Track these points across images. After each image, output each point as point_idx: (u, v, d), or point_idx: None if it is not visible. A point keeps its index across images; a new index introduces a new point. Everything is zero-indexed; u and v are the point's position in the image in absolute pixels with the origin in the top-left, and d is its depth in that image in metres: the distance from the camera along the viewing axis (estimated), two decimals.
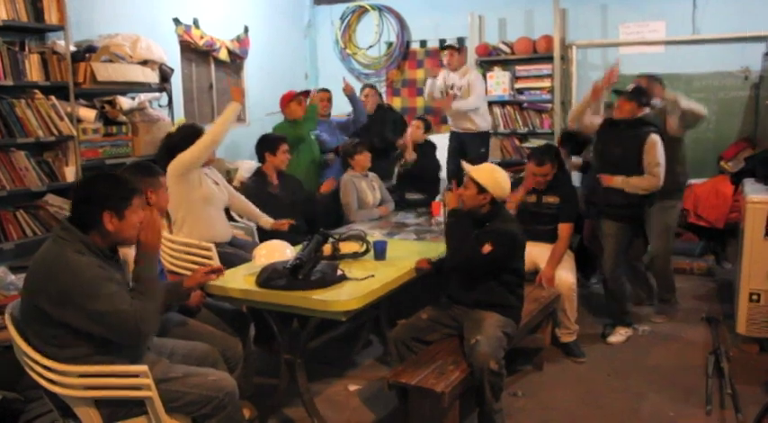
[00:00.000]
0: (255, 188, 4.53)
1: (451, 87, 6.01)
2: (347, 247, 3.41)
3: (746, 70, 6.11)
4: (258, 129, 6.47)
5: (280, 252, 3.20)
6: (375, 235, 4.15)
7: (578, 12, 6.66)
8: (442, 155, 6.08)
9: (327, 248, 3.36)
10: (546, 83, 6.58)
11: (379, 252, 3.42)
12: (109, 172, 2.71)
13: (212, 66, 6.66)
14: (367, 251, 3.45)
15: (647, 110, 4.20)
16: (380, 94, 6.70)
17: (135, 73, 5.05)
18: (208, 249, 3.56)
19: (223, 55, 6.59)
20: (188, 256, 3.62)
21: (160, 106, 5.53)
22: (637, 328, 4.49)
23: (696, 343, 4.34)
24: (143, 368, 2.27)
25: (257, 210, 4.25)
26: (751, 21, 6.04)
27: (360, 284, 2.97)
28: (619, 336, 4.35)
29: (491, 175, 3.20)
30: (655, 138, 4.09)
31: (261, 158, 4.66)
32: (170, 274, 3.33)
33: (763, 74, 5.95)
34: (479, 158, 6.04)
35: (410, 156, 5.54)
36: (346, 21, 7.75)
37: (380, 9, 7.51)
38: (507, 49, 6.64)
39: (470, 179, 3.18)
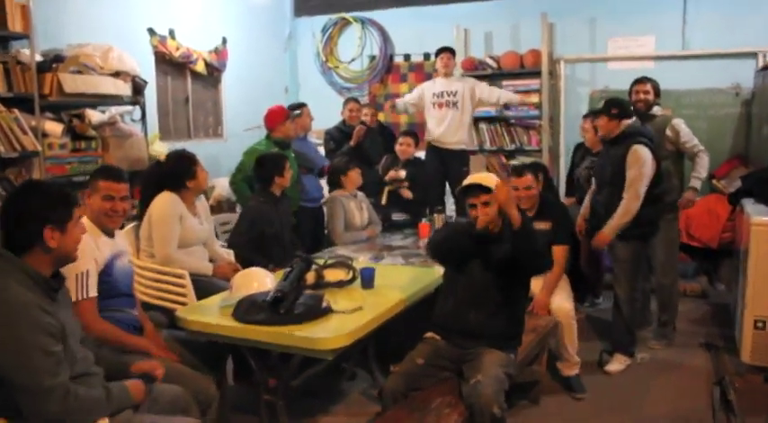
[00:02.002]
0: (267, 210, 4.05)
1: (440, 95, 5.76)
2: (332, 275, 3.16)
3: (737, 87, 5.99)
4: (236, 144, 6.21)
5: (259, 281, 2.94)
6: (360, 259, 3.92)
7: (566, 26, 6.51)
8: None
9: (311, 276, 3.11)
10: (534, 98, 6.38)
11: (367, 280, 3.18)
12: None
13: (189, 78, 6.39)
14: (354, 279, 3.20)
15: (627, 121, 3.98)
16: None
17: (106, 85, 4.77)
18: (181, 277, 3.28)
19: (200, 67, 6.33)
20: (159, 283, 3.34)
21: (133, 120, 5.25)
22: (635, 355, 4.28)
23: (697, 371, 4.13)
24: None
25: (221, 252, 3.87)
26: (741, 36, 5.94)
27: (348, 318, 2.72)
28: (618, 364, 4.13)
29: (494, 179, 2.98)
30: (635, 149, 3.84)
31: (267, 181, 4.12)
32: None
33: (756, 91, 5.82)
34: (460, 181, 5.81)
35: (397, 174, 5.29)
36: (328, 33, 7.54)
37: (363, 21, 7.31)
38: (494, 64, 6.45)
39: (487, 191, 2.90)
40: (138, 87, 5.12)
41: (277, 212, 4.10)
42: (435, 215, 4.31)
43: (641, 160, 3.83)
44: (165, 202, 3.41)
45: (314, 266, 3.16)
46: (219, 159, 6.53)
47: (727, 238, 5.66)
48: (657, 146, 4.04)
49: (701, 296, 5.66)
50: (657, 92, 4.57)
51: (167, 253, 3.36)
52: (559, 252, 3.92)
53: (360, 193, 4.78)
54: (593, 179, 4.98)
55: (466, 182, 3.00)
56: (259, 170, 4.12)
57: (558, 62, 6.51)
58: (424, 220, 4.71)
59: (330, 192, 4.70)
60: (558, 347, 3.82)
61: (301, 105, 5.42)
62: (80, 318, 2.37)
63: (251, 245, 3.96)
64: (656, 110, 4.48)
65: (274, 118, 4.87)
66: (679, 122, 4.47)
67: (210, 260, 3.66)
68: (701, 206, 5.80)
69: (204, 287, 3.33)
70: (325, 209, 4.61)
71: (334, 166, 4.75)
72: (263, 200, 4.07)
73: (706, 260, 5.98)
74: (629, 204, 3.86)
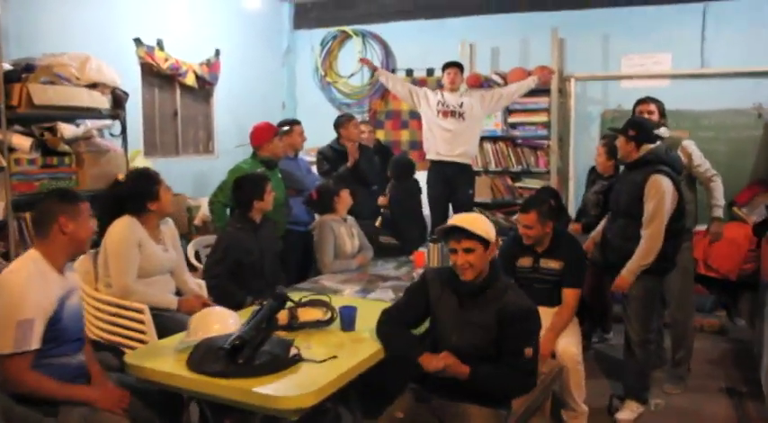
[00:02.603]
0: (245, 238, 3.70)
1: (446, 104, 5.36)
2: (308, 314, 2.79)
3: (759, 107, 5.64)
4: (228, 161, 5.83)
5: (222, 323, 2.57)
6: (347, 292, 3.55)
7: (578, 42, 6.17)
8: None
9: (283, 316, 2.74)
10: (542, 117, 6.03)
11: (347, 322, 2.81)
12: None
13: (178, 91, 6.07)
14: (332, 320, 2.83)
15: (650, 146, 3.62)
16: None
17: (81, 97, 4.42)
18: (139, 311, 2.92)
19: (190, 80, 6.01)
20: (116, 318, 2.98)
21: (112, 135, 4.92)
22: (649, 401, 3.87)
23: (718, 421, 3.74)
24: None
25: (191, 284, 3.52)
26: (764, 54, 5.60)
27: (318, 370, 2.34)
28: (629, 412, 3.72)
29: (483, 222, 2.63)
30: (655, 179, 3.47)
31: (245, 205, 3.76)
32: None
33: None
34: (467, 204, 5.46)
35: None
36: (327, 47, 7.22)
37: (364, 35, 6.99)
38: (500, 80, 6.10)
39: (470, 237, 2.55)
40: (118, 100, 4.78)
41: (256, 240, 3.74)
42: (431, 245, 3.93)
43: (661, 192, 3.46)
44: (121, 228, 3.06)
45: (288, 304, 2.78)
46: (209, 177, 6.19)
47: (748, 270, 5.27)
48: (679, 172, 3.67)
49: (720, 332, 5.26)
50: (663, 112, 4.23)
51: (124, 284, 3.01)
52: (570, 295, 3.56)
53: (350, 218, 4.42)
54: (601, 205, 4.64)
55: (449, 222, 2.63)
56: (237, 193, 3.77)
57: (569, 80, 6.16)
58: (420, 249, 4.35)
59: (320, 215, 4.33)
60: (564, 394, 3.43)
61: (292, 122, 5.08)
62: (6, 373, 2.02)
63: (227, 275, 3.61)
64: (663, 131, 4.11)
65: (260, 135, 4.53)
66: (690, 144, 4.11)
67: (178, 293, 3.30)
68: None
69: (167, 324, 2.98)
70: (313, 234, 4.23)
71: (325, 188, 4.38)
72: (240, 226, 3.71)
73: (725, 293, 5.58)
74: (651, 244, 3.49)
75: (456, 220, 2.62)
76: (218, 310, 2.71)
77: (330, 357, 2.42)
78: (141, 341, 2.90)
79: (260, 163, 4.54)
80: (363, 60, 6.00)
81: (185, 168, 6.09)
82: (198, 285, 3.49)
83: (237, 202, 3.79)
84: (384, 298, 3.45)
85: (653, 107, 4.14)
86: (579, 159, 6.12)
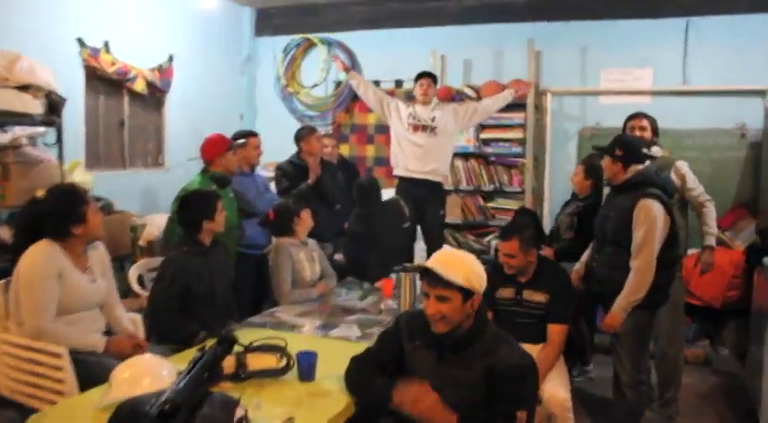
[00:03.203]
0: (194, 263, 3.24)
1: (416, 117, 4.99)
2: (259, 362, 2.34)
3: (743, 127, 5.39)
4: (180, 175, 5.39)
5: (152, 375, 2.10)
6: (306, 328, 3.12)
7: (554, 55, 5.86)
8: None
9: (229, 363, 2.30)
10: (517, 134, 5.69)
11: (306, 370, 2.37)
12: None
13: (126, 98, 5.58)
14: (288, 368, 2.39)
15: (638, 167, 3.28)
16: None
17: (9, 99, 3.92)
18: (57, 356, 2.44)
19: (139, 86, 5.52)
20: (31, 364, 2.50)
21: (46, 145, 4.41)
22: None
23: None
24: None
25: (124, 320, 3.04)
26: (748, 73, 5.37)
27: None
28: None
29: (468, 265, 2.19)
30: (644, 205, 3.13)
31: (194, 227, 3.32)
32: None
33: (765, 132, 5.20)
34: (437, 226, 5.08)
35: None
36: (290, 55, 6.78)
37: (330, 43, 6.58)
38: (473, 94, 5.74)
39: (446, 285, 2.14)
40: (54, 105, 4.28)
41: (207, 265, 3.29)
42: (402, 275, 3.51)
43: (651, 218, 3.11)
44: (36, 256, 2.58)
45: (235, 348, 2.34)
46: (159, 192, 5.73)
47: (732, 297, 5.01)
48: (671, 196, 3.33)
49: (704, 363, 4.95)
50: (656, 130, 3.94)
51: (38, 325, 2.53)
52: (556, 332, 3.19)
53: (310, 241, 3.98)
54: (575, 228, 4.31)
55: (428, 262, 2.21)
56: (183, 212, 3.32)
57: (545, 94, 5.85)
58: (392, 275, 3.93)
59: (277, 237, 3.88)
60: None
61: (248, 134, 4.63)
62: None
63: (175, 306, 3.15)
64: (655, 150, 3.82)
65: (212, 148, 4.09)
66: (683, 166, 3.82)
67: (107, 331, 2.82)
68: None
69: (92, 370, 2.50)
70: (269, 259, 3.78)
71: (283, 208, 3.93)
72: (188, 249, 3.26)
73: (708, 321, 5.29)
74: (641, 277, 3.13)
75: (434, 260, 2.20)
76: (149, 359, 2.24)
77: (286, 420, 1.98)
78: (60, 393, 2.42)
79: (211, 180, 4.09)
80: (336, 58, 5.59)
81: (132, 182, 5.60)
82: (132, 322, 3.02)
83: (184, 223, 3.34)
84: (349, 336, 3.02)
85: (645, 123, 3.84)
86: (555, 179, 5.81)
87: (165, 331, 3.18)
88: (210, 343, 2.34)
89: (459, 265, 2.15)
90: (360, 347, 2.76)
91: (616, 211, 3.26)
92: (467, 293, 2.13)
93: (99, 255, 2.91)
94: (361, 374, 2.30)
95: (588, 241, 3.88)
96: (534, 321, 3.28)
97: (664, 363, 3.85)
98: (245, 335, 2.66)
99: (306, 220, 3.86)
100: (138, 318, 3.09)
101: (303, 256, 3.79)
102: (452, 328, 2.17)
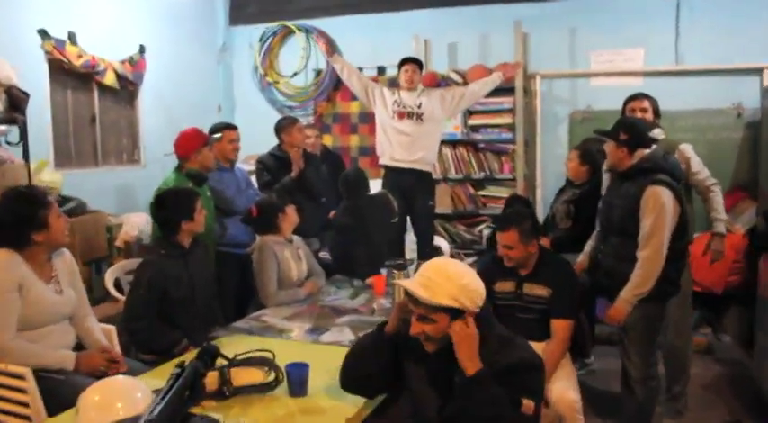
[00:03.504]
0: (172, 266, 3.02)
1: (402, 104, 4.77)
2: (245, 377, 2.12)
3: (739, 107, 5.22)
4: (157, 172, 5.19)
5: (125, 399, 1.86)
6: (294, 334, 2.90)
7: (543, 37, 5.65)
8: None
9: (212, 379, 2.08)
10: (506, 119, 5.49)
11: (297, 384, 2.15)
12: None
13: (95, 93, 5.29)
14: (277, 382, 2.17)
15: (645, 151, 3.08)
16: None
17: None
18: (20, 377, 2.20)
19: (109, 79, 5.24)
20: None
21: (9, 144, 4.13)
22: None
23: None
24: None
25: (96, 332, 2.77)
26: (743, 51, 5.19)
27: None
28: None
29: (457, 279, 1.94)
30: (652, 192, 2.94)
31: (171, 227, 3.10)
32: None
33: (763, 112, 5.03)
34: (427, 216, 4.87)
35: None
36: (267, 44, 6.51)
37: (308, 30, 6.32)
38: (459, 79, 5.53)
39: (429, 307, 1.91)
40: (15, 101, 3.99)
41: (186, 268, 3.07)
42: (396, 272, 3.30)
43: (659, 206, 2.92)
44: None
45: (218, 362, 2.11)
46: (135, 189, 5.48)
47: (734, 282, 4.86)
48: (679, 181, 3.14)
49: (707, 352, 4.80)
50: (657, 111, 3.75)
51: None
52: (560, 328, 3.00)
53: (296, 238, 3.75)
54: (572, 216, 4.13)
55: (410, 282, 1.96)
56: (160, 212, 3.10)
57: (534, 78, 5.64)
58: (383, 271, 3.72)
59: (260, 235, 3.64)
60: None
61: (225, 126, 4.38)
62: None
63: (153, 313, 2.93)
64: (657, 133, 3.60)
65: (186, 144, 3.86)
66: (687, 148, 3.62)
67: (78, 346, 2.58)
68: (702, 245, 4.96)
69: (61, 390, 2.27)
70: (253, 259, 3.55)
71: (267, 204, 3.69)
72: (166, 252, 3.03)
73: (708, 308, 5.14)
74: (649, 268, 2.94)
75: (417, 278, 1.95)
76: (121, 380, 2.00)
77: None
78: (26, 418, 2.19)
79: (186, 177, 3.85)
80: (319, 40, 5.33)
81: (106, 181, 5.33)
82: (106, 333, 2.78)
83: (161, 224, 3.12)
84: (342, 340, 2.80)
85: (647, 104, 3.65)
86: (547, 164, 5.63)
87: (144, 340, 2.98)
88: (193, 352, 2.12)
89: (445, 282, 1.90)
90: None
91: (622, 199, 3.07)
92: (455, 312, 1.91)
93: (65, 262, 2.66)
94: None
95: (586, 230, 3.71)
96: (536, 317, 3.09)
97: (672, 355, 3.68)
98: (230, 344, 2.45)
99: (291, 216, 3.63)
100: (113, 329, 2.85)
101: (289, 255, 3.56)
102: (441, 347, 1.95)
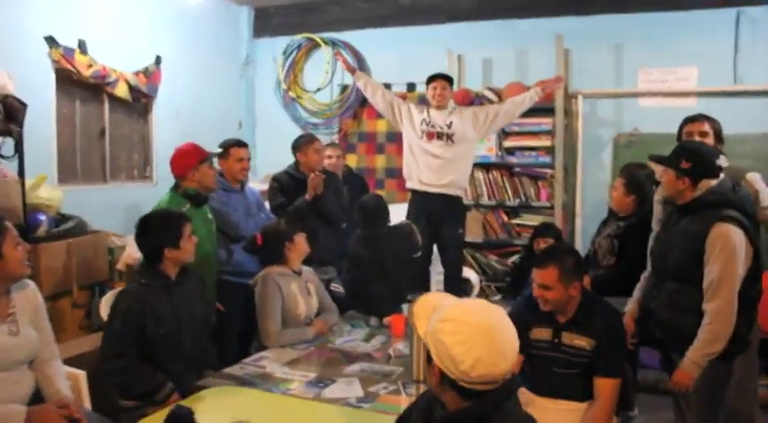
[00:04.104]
0: (154, 299, 2.69)
1: (431, 124, 4.39)
2: None
3: None
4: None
5: None
6: (294, 386, 2.48)
7: (586, 53, 5.22)
8: None
9: None
10: (544, 141, 5.06)
11: None
12: None
13: (106, 105, 4.99)
14: None
15: (711, 182, 2.63)
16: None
17: None
18: None
19: (121, 91, 4.94)
20: None
21: (3, 157, 3.82)
22: None
23: None
24: None
25: (59, 380, 2.36)
26: None
27: None
28: None
29: (447, 339, 1.52)
30: (721, 231, 2.49)
31: (154, 255, 2.80)
32: None
33: None
34: (456, 246, 4.45)
35: None
36: (291, 57, 6.20)
37: (334, 43, 5.98)
38: (494, 97, 5.13)
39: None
40: (11, 111, 3.69)
41: (171, 302, 2.70)
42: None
43: (730, 248, 2.47)
44: None
45: None
46: (146, 208, 4.92)
47: None
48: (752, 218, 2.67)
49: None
50: (719, 135, 3.28)
51: None
52: (606, 388, 2.55)
53: (306, 269, 3.36)
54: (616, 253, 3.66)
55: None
56: (141, 238, 2.75)
57: (576, 97, 5.21)
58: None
59: (265, 266, 3.25)
60: None
61: (234, 143, 4.01)
62: None
63: (130, 352, 2.57)
64: (722, 160, 3.15)
65: (182, 161, 3.51)
66: (756, 178, 3.16)
67: (36, 397, 2.19)
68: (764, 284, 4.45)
69: None
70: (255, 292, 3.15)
71: (273, 231, 3.30)
72: (146, 282, 2.67)
73: (766, 354, 4.60)
74: (720, 326, 2.49)
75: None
76: None
77: None
78: None
79: (183, 197, 3.49)
80: (339, 55, 4.96)
81: (114, 199, 5.01)
82: (72, 380, 2.40)
83: (143, 251, 2.76)
84: (348, 397, 2.37)
85: (707, 127, 3.20)
86: (588, 192, 5.17)
87: (123, 383, 2.61)
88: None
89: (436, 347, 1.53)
90: (360, 417, 2.13)
91: (681, 238, 2.61)
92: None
93: (27, 297, 2.30)
94: None
95: (631, 269, 3.27)
96: (577, 372, 2.64)
97: (734, 419, 3.18)
98: (215, 399, 2.05)
99: (300, 245, 3.24)
100: (81, 375, 2.48)
101: (296, 289, 3.16)
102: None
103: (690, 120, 3.32)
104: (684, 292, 2.60)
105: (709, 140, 3.20)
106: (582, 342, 2.63)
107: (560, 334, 2.68)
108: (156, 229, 2.74)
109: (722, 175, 2.66)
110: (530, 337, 2.74)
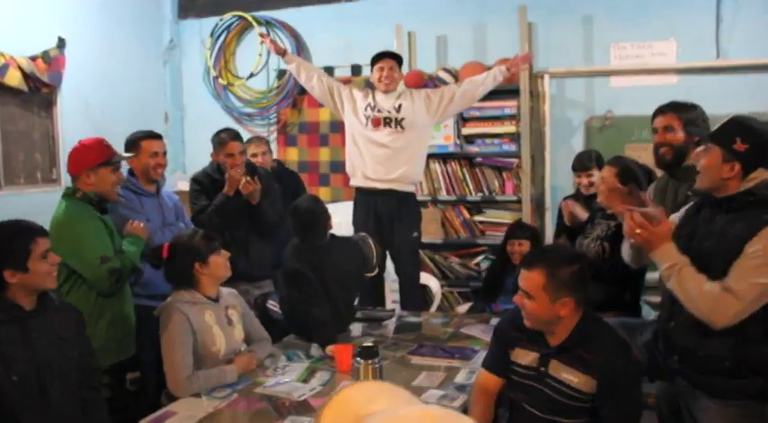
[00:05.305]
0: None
1: (376, 108, 3.81)
2: None
3: None
4: None
5: None
6: None
7: (552, 28, 4.68)
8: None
9: None
10: (508, 127, 4.50)
11: None
12: None
13: None
14: None
15: (766, 174, 2.04)
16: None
17: None
18: None
19: (13, 80, 4.20)
20: None
21: None
22: None
23: None
24: None
25: None
26: None
27: None
28: None
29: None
30: None
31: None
32: None
33: None
34: (410, 251, 3.85)
35: None
36: (221, 39, 5.49)
37: (268, 23, 5.30)
38: (450, 79, 4.52)
39: None
40: None
41: (23, 340, 2.05)
42: (361, 361, 2.20)
43: None
44: None
45: None
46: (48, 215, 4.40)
47: None
48: None
49: None
50: (695, 123, 2.77)
51: None
52: None
53: (227, 292, 2.68)
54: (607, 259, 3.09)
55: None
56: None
57: (542, 77, 4.66)
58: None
59: (174, 289, 2.57)
60: None
61: (145, 136, 3.30)
62: None
63: None
64: None
65: (79, 158, 2.82)
66: None
67: None
68: None
69: None
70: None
71: (183, 246, 2.59)
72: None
73: None
74: (728, 303, 1.94)
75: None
76: None
77: None
78: None
79: (84, 203, 2.80)
80: (264, 36, 4.27)
81: (11, 206, 4.23)
82: None
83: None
84: None
85: (671, 120, 2.73)
86: (558, 183, 4.62)
87: None
88: None
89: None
90: None
91: (716, 242, 2.02)
92: None
93: None
94: None
95: (629, 281, 2.73)
96: (569, 410, 2.07)
97: None
98: None
99: (216, 268, 2.55)
100: None
101: (211, 319, 2.48)
102: None
103: (655, 112, 2.81)
104: None
105: (678, 136, 2.69)
106: (571, 376, 2.07)
107: (547, 361, 2.11)
108: (6, 248, 2.11)
109: None
110: (511, 358, 2.18)
